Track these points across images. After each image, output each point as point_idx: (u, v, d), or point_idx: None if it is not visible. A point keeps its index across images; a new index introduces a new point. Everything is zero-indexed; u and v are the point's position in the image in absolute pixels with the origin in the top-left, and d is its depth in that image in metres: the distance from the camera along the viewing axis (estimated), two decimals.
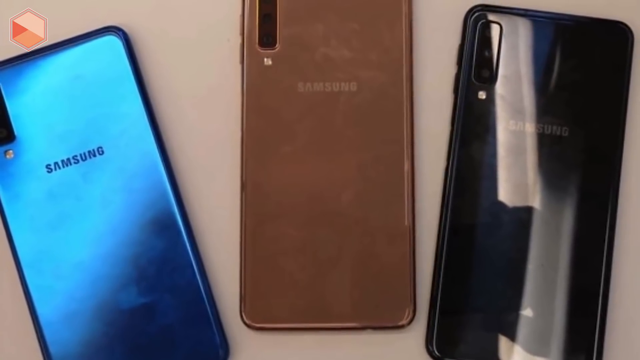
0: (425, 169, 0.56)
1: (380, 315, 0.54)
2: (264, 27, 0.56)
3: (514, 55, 0.56)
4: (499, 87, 0.56)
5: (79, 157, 0.54)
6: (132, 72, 0.55)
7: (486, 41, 0.56)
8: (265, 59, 0.56)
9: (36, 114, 0.55)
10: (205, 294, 0.54)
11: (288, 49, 0.56)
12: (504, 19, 0.56)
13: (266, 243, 0.54)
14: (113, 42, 0.55)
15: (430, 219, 0.56)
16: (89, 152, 0.54)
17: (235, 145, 0.56)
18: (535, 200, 0.55)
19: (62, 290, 0.54)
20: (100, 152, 0.54)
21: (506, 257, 0.55)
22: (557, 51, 0.56)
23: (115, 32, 0.55)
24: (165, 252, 0.54)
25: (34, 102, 0.55)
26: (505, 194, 0.55)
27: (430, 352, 0.54)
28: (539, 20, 0.56)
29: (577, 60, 0.56)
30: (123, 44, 0.55)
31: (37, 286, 0.54)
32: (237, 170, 0.55)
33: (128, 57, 0.55)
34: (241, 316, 0.54)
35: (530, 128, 0.55)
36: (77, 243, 0.54)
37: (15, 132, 0.54)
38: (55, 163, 0.54)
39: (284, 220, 0.55)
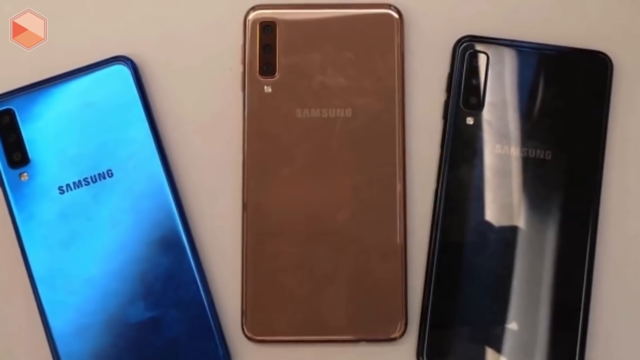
0: (416, 190, 0.56)
1: (374, 329, 0.55)
2: (264, 57, 0.56)
3: (500, 83, 0.56)
4: (486, 113, 0.56)
5: (89, 179, 0.54)
6: (140, 99, 0.55)
7: (474, 70, 0.56)
8: (265, 87, 0.56)
9: (49, 138, 0.55)
10: (209, 308, 0.54)
11: (287, 77, 0.56)
12: (490, 49, 0.56)
13: (266, 260, 0.55)
14: (122, 71, 0.55)
15: (421, 238, 0.56)
16: (99, 174, 0.55)
17: (237, 167, 0.56)
18: (520, 220, 0.55)
19: (74, 304, 0.54)
20: (110, 175, 0.55)
21: (492, 273, 0.55)
22: (541, 79, 0.56)
23: (124, 62, 0.56)
24: (171, 269, 0.54)
25: (47, 127, 0.55)
26: (492, 214, 0.55)
27: None
28: (523, 50, 0.56)
29: (560, 88, 0.56)
30: (131, 73, 0.55)
31: (50, 301, 0.54)
32: (239, 192, 0.55)
33: (136, 85, 0.55)
34: (242, 329, 0.55)
35: (515, 152, 0.55)
36: (87, 260, 0.54)
37: (30, 156, 0.55)
38: (67, 185, 0.54)
39: (283, 238, 0.55)
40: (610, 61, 0.57)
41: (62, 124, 0.55)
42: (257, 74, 0.56)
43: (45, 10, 0.58)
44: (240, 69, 0.56)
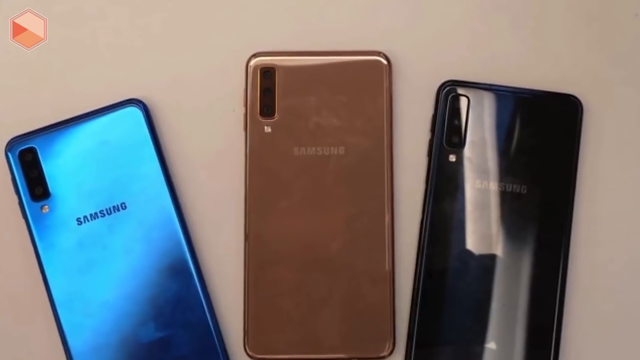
0: (403, 221, 0.58)
1: (364, 347, 0.56)
2: (265, 100, 0.57)
3: (479, 123, 0.57)
4: (467, 151, 0.57)
5: (104, 212, 0.56)
6: (151, 138, 0.57)
7: (456, 111, 0.57)
8: (265, 127, 0.57)
9: (68, 174, 0.56)
10: (214, 329, 0.56)
11: (285, 118, 0.57)
12: (471, 93, 0.57)
13: (266, 285, 0.56)
14: (134, 113, 0.57)
15: (408, 265, 0.57)
16: (114, 207, 0.56)
17: (239, 201, 0.57)
18: (498, 249, 0.56)
19: (90, 326, 0.55)
20: (124, 207, 0.56)
21: (473, 297, 0.56)
22: (517, 120, 0.57)
23: (136, 104, 0.57)
24: (179, 293, 0.56)
25: (66, 164, 0.56)
26: (472, 243, 0.56)
27: None
28: (501, 93, 0.57)
29: (534, 128, 0.57)
30: (143, 114, 0.57)
31: (69, 322, 0.55)
32: (241, 223, 0.57)
33: (147, 125, 0.57)
34: (245, 348, 0.56)
35: (493, 186, 0.57)
36: (103, 285, 0.55)
37: (50, 190, 0.56)
38: (85, 216, 0.56)
39: (282, 265, 0.56)
40: (580, 103, 0.58)
41: (80, 161, 0.56)
42: (258, 115, 0.57)
43: (65, 57, 0.59)
44: (243, 111, 0.58)
